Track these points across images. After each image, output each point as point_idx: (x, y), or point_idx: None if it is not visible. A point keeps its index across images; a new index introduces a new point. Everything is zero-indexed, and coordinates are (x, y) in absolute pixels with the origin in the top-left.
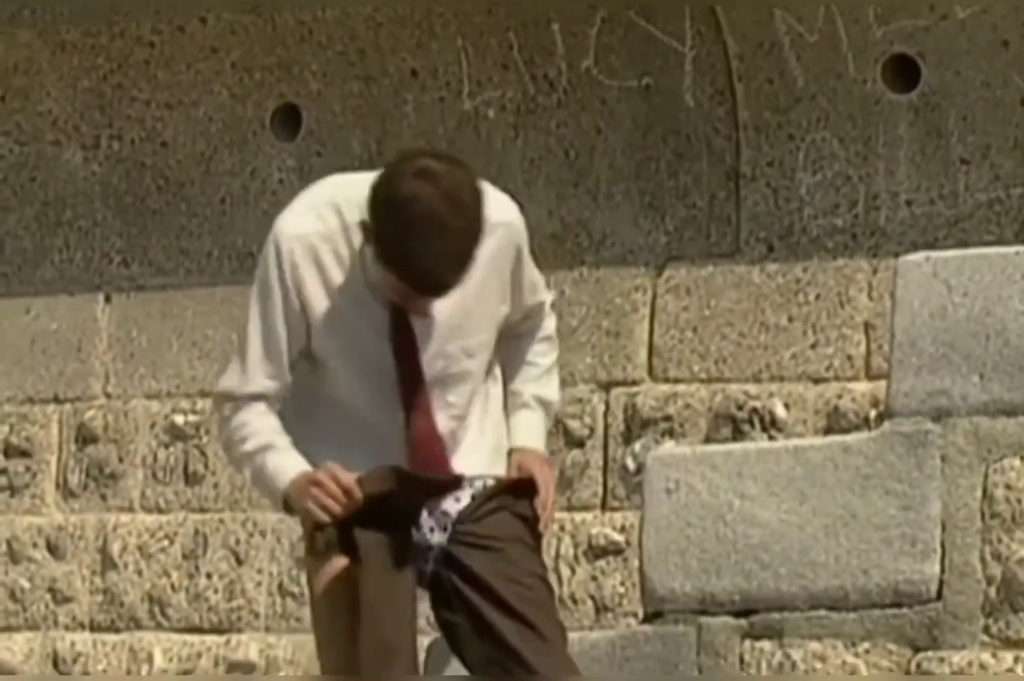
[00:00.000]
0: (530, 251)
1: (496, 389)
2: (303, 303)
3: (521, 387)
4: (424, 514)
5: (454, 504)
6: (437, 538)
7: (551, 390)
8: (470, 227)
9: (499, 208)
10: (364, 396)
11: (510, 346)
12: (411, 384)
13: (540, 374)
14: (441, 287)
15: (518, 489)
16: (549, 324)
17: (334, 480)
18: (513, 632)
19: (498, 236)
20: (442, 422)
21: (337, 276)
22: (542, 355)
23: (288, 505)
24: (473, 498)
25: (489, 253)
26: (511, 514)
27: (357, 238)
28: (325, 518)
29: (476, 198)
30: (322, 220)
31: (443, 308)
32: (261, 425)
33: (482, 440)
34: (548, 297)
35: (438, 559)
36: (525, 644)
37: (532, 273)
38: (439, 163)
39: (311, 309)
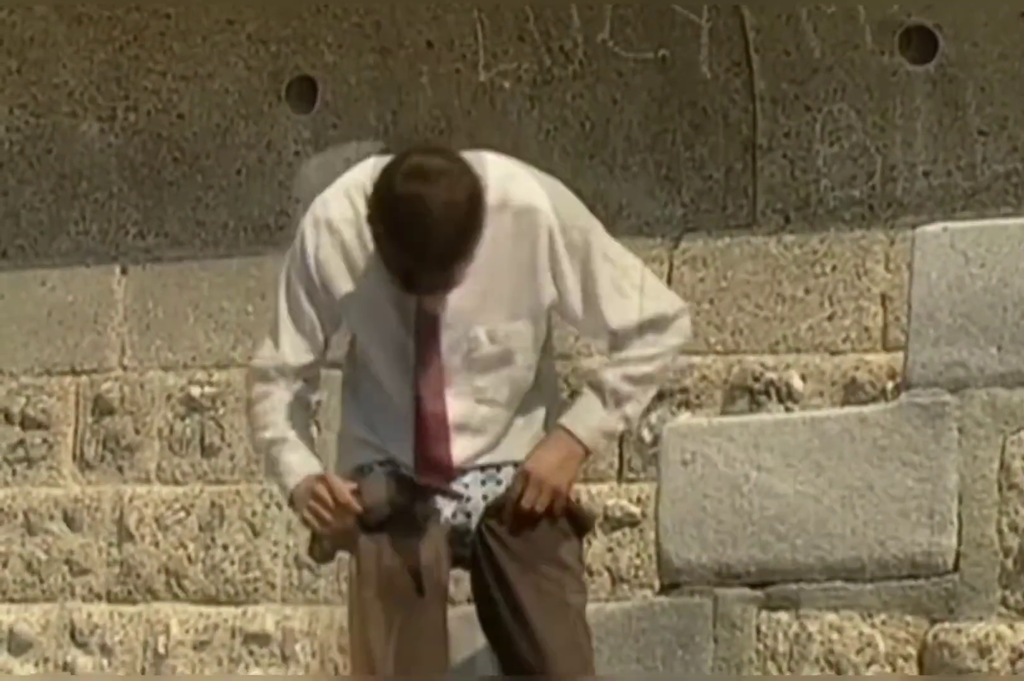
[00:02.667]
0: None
1: (551, 386)
2: (326, 284)
3: (599, 372)
4: (438, 499)
5: (464, 489)
6: (461, 520)
7: (628, 387)
8: (461, 226)
9: (526, 193)
10: (388, 376)
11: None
12: (425, 367)
13: (625, 366)
14: (424, 288)
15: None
16: (669, 341)
17: (331, 494)
18: (521, 638)
19: (519, 220)
20: (466, 406)
21: (363, 259)
22: (645, 361)
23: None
24: (499, 482)
25: (504, 235)
26: (550, 526)
27: None
28: (320, 529)
29: (472, 196)
30: (352, 204)
31: (458, 292)
32: (280, 415)
33: (518, 426)
34: (668, 308)
35: (473, 542)
36: (531, 653)
37: (606, 270)
38: (434, 160)
39: (337, 290)
